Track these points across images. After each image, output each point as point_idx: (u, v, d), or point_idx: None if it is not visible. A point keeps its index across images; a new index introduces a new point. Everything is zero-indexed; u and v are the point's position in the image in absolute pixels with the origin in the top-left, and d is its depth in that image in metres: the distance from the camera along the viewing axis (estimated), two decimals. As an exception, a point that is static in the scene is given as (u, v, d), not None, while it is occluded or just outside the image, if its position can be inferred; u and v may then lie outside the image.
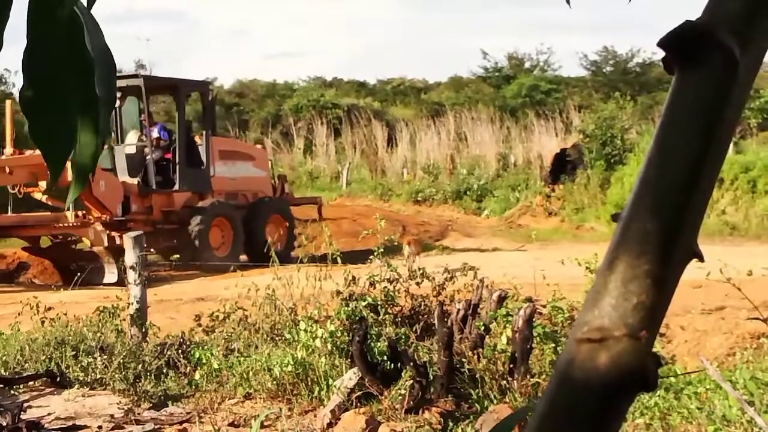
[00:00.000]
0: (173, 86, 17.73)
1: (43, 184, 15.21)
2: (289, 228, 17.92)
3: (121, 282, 9.01)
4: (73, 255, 16.18)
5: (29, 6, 0.96)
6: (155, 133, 17.08)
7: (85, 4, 1.00)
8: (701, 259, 0.62)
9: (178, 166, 17.02)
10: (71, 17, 0.98)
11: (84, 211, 15.64)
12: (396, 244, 11.07)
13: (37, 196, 15.83)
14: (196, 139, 17.75)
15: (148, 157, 16.80)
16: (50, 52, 0.98)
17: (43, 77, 0.99)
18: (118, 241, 16.71)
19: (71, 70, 0.99)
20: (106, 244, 16.06)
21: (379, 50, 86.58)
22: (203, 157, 17.50)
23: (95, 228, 15.59)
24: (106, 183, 15.29)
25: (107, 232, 16.02)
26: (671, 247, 0.60)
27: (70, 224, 15.49)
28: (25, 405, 6.20)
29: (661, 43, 0.62)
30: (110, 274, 14.84)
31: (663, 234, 0.60)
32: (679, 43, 0.61)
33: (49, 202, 16.02)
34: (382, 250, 8.15)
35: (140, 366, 6.82)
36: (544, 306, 7.16)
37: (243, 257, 16.85)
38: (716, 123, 0.61)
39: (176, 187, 17.02)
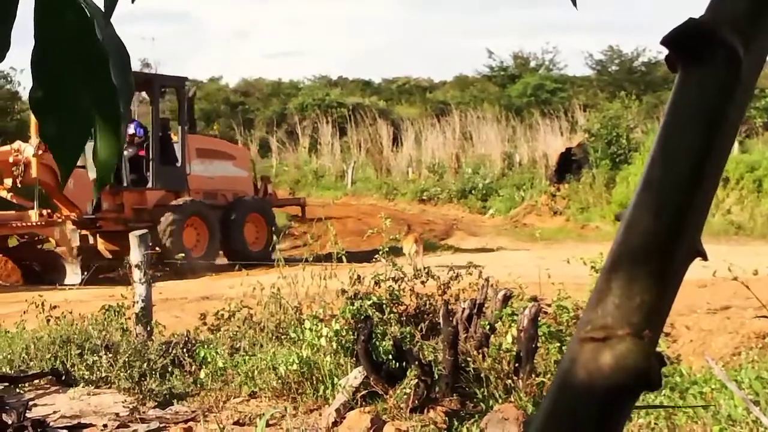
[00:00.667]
0: (147, 81, 17.34)
1: (8, 182, 14.94)
2: (269, 228, 17.50)
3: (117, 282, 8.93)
4: (36, 255, 15.98)
5: (36, 3, 0.96)
6: (131, 130, 16.76)
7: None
8: (705, 257, 0.62)
9: (152, 164, 16.70)
10: (80, 12, 0.97)
11: (49, 210, 15.26)
12: (400, 245, 11.07)
13: (2, 193, 15.49)
14: (173, 136, 17.40)
15: (121, 154, 16.55)
16: (60, 50, 0.97)
17: (53, 76, 0.98)
18: (91, 241, 16.41)
19: (82, 66, 0.99)
20: (77, 243, 15.81)
21: (379, 50, 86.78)
22: (179, 155, 17.17)
23: (61, 228, 15.27)
24: (75, 180, 14.62)
25: (79, 230, 15.78)
26: (674, 246, 0.60)
27: (35, 223, 15.10)
28: (31, 403, 6.21)
29: (665, 41, 0.62)
30: (74, 275, 14.57)
31: (666, 233, 0.60)
32: (683, 41, 0.61)
33: (14, 200, 15.67)
34: (387, 249, 8.16)
35: (145, 364, 6.83)
36: (549, 305, 7.15)
37: (222, 259, 16.49)
38: (720, 122, 0.60)
39: (150, 184, 16.70)
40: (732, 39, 0.60)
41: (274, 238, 17.87)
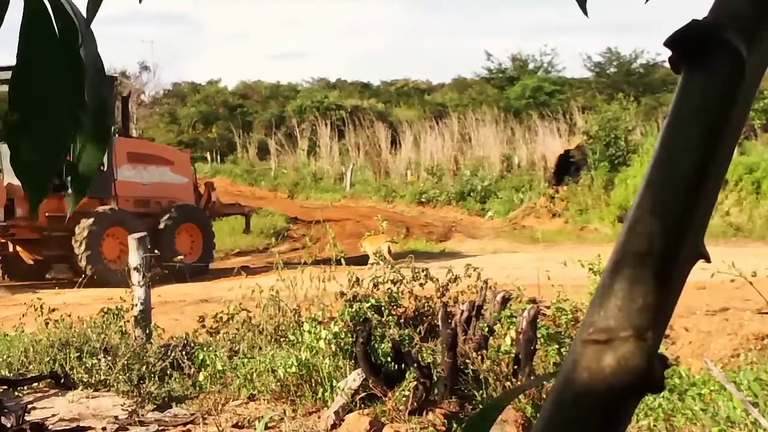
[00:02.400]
0: None
1: None
2: (204, 238, 16.65)
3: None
4: None
5: (24, 11, 0.91)
6: None
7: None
8: (708, 259, 0.62)
9: None
10: (68, 23, 0.93)
11: None
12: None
13: None
14: None
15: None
16: (44, 66, 0.93)
17: (35, 97, 0.93)
18: (10, 248, 15.87)
19: (63, 84, 0.94)
20: None
21: (378, 52, 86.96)
22: (105, 159, 15.96)
23: None
24: None
25: None
26: (677, 248, 0.60)
27: None
28: (30, 406, 6.21)
29: (668, 43, 0.62)
30: None
31: (669, 235, 0.60)
32: (686, 42, 0.61)
33: None
34: (385, 251, 8.15)
35: (144, 367, 6.83)
36: (548, 307, 7.15)
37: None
38: (723, 123, 0.60)
39: (69, 190, 16.01)
40: (735, 40, 0.60)
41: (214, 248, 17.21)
